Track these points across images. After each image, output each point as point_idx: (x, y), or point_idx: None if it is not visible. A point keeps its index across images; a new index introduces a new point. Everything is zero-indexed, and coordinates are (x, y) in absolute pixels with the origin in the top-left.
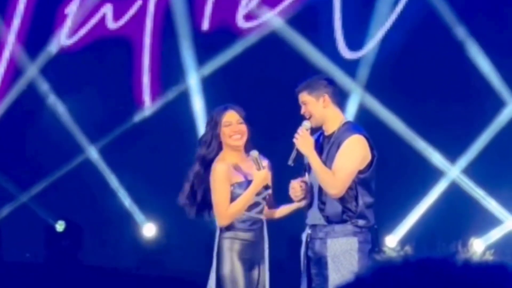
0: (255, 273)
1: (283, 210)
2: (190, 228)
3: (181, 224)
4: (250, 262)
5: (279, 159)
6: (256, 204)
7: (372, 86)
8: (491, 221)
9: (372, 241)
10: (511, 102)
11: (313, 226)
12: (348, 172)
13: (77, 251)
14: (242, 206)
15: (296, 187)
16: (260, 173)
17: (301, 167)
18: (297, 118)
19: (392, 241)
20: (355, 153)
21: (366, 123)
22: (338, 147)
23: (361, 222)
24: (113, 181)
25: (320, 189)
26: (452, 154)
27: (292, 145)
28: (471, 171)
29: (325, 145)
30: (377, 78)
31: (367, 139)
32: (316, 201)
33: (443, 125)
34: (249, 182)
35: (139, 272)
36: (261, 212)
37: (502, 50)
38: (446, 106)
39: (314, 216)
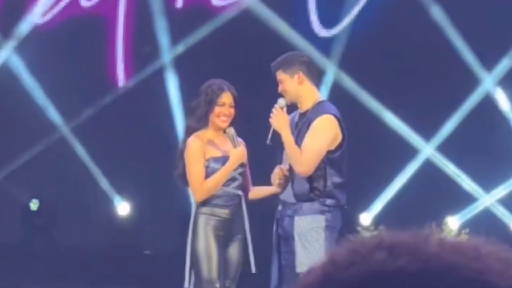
0: (233, 250)
1: (259, 192)
2: (164, 207)
3: (155, 202)
4: (226, 239)
5: (254, 137)
6: (232, 179)
7: (347, 64)
8: (466, 199)
9: (342, 221)
10: (485, 80)
11: (284, 203)
12: (315, 151)
13: (51, 230)
14: (218, 181)
15: (278, 173)
16: (237, 150)
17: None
18: (271, 96)
19: (366, 218)
20: (324, 133)
21: (340, 101)
22: (309, 125)
23: (329, 201)
24: (87, 160)
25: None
26: (427, 132)
27: (268, 124)
28: (446, 148)
29: (299, 122)
30: (351, 55)
31: (338, 119)
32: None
33: (417, 102)
34: (225, 158)
35: (113, 250)
36: (238, 187)
37: (476, 28)
38: (420, 83)
39: (287, 192)
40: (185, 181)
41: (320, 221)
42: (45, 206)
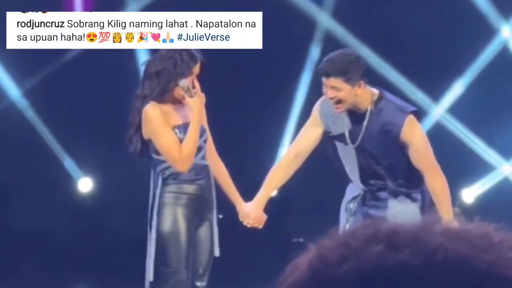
0: (205, 230)
1: (224, 183)
2: (128, 183)
3: (119, 178)
4: (197, 217)
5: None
6: (198, 149)
7: (340, 14)
8: (482, 167)
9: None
10: (502, 29)
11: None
12: (431, 153)
13: (7, 209)
14: (193, 144)
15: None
16: (195, 99)
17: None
18: (239, 82)
19: None
20: (421, 134)
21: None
22: (384, 126)
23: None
24: (46, 134)
25: (363, 167)
26: (435, 90)
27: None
28: (458, 110)
29: (359, 121)
30: (345, 4)
31: (416, 113)
32: (359, 177)
33: (423, 56)
34: (187, 125)
35: (74, 229)
36: (204, 157)
37: None
38: (424, 34)
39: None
40: (144, 155)
41: (415, 208)
42: (2, 183)
